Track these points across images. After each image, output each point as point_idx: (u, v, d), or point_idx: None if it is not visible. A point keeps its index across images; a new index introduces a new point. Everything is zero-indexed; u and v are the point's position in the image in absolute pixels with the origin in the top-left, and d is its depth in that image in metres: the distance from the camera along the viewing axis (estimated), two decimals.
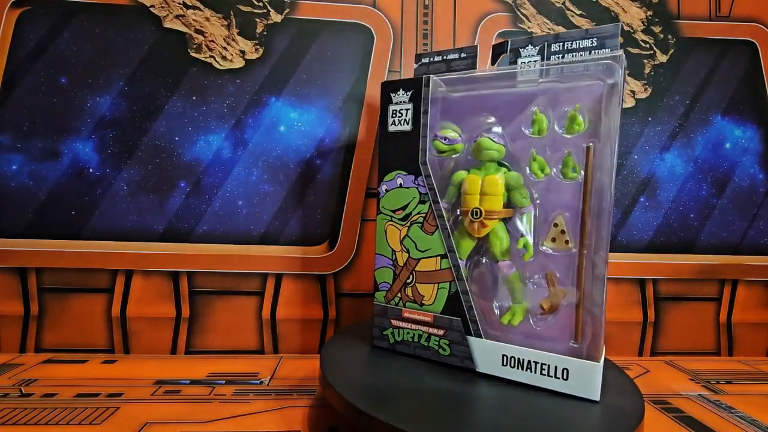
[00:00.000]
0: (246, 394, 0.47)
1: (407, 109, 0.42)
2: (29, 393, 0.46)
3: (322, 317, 0.61)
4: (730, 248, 0.65)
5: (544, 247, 0.38)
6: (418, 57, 0.45)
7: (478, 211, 0.38)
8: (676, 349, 0.64)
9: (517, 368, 0.37)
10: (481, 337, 0.39)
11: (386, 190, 0.44)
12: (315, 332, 0.61)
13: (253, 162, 0.60)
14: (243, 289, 0.60)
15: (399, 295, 0.43)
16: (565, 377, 0.36)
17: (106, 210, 0.58)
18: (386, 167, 0.44)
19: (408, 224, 0.42)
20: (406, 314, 0.43)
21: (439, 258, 0.41)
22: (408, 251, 0.43)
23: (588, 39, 0.36)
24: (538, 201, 0.39)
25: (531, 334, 0.38)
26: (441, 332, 0.41)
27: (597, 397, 0.35)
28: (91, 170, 0.58)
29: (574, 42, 0.37)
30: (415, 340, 0.43)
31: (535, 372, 0.37)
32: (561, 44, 0.38)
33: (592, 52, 0.36)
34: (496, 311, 0.39)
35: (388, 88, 0.43)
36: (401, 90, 0.42)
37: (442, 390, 0.36)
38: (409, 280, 0.43)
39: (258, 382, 0.51)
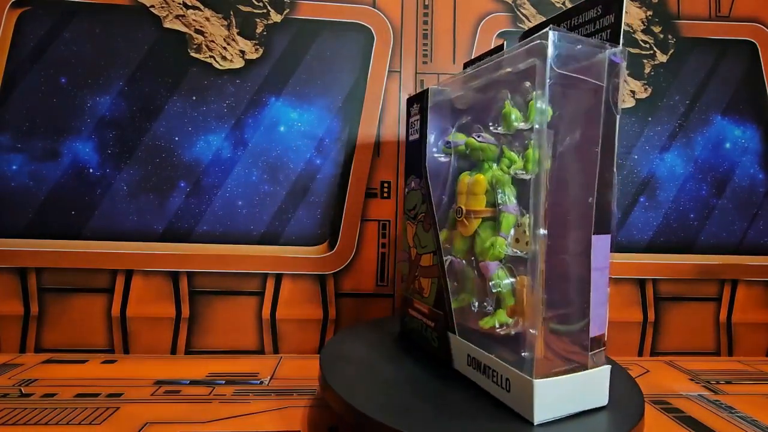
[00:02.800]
0: (246, 394, 0.47)
1: (417, 120, 0.45)
2: (29, 393, 0.46)
3: (322, 317, 0.61)
4: (730, 248, 0.65)
5: (509, 249, 0.36)
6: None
7: (460, 209, 0.39)
8: (676, 349, 0.64)
9: (477, 370, 0.36)
10: (455, 334, 0.39)
11: (406, 192, 0.48)
12: (315, 332, 0.61)
13: (253, 162, 0.60)
14: (243, 289, 0.60)
15: (412, 286, 0.47)
16: (507, 389, 0.33)
17: (106, 210, 0.58)
18: (407, 173, 0.48)
19: (416, 222, 0.45)
20: (415, 304, 0.46)
21: (432, 254, 0.43)
22: (416, 247, 0.46)
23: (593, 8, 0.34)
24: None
25: (498, 336, 0.36)
26: (432, 324, 0.43)
27: (533, 419, 0.30)
28: (91, 170, 0.58)
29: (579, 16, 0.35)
30: (419, 329, 0.45)
31: (488, 377, 0.35)
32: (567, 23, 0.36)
33: (598, 21, 0.34)
34: (473, 309, 0.39)
35: (409, 102, 0.47)
36: (415, 103, 0.46)
37: (441, 390, 0.36)
38: (417, 274, 0.46)
39: (258, 382, 0.51)
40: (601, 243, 0.32)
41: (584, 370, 0.32)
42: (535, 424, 0.30)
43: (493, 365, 0.34)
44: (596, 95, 0.32)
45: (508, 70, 0.36)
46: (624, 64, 0.32)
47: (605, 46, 0.32)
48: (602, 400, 0.33)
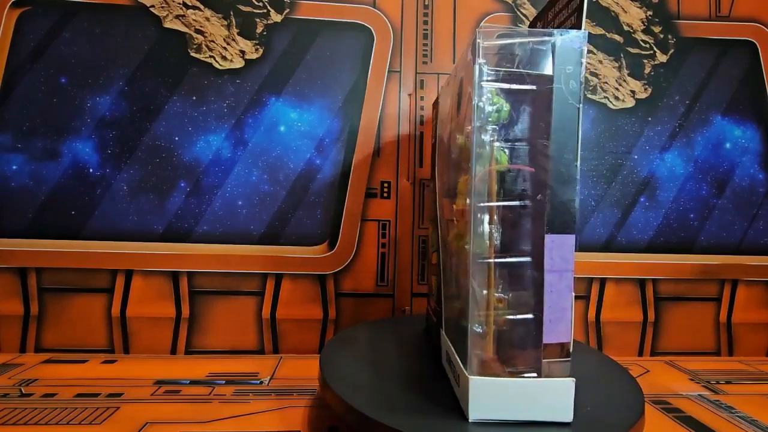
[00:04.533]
0: (246, 394, 0.47)
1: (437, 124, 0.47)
2: (29, 393, 0.46)
3: (322, 317, 0.61)
4: (730, 248, 0.65)
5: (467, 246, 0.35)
6: None
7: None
8: (676, 349, 0.64)
9: (448, 365, 0.37)
10: (441, 330, 0.40)
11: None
12: (315, 332, 0.61)
13: (253, 162, 0.60)
14: (243, 289, 0.60)
15: (429, 284, 0.50)
16: (458, 384, 0.33)
17: (106, 210, 0.58)
18: (432, 173, 0.49)
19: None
20: (430, 301, 0.49)
21: (436, 253, 0.44)
22: (432, 246, 0.48)
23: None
24: None
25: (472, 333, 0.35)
26: (435, 320, 0.44)
27: (468, 416, 0.30)
28: (91, 170, 0.58)
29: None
30: (432, 325, 0.47)
31: (451, 372, 0.35)
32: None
33: (569, 6, 0.33)
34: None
35: (434, 107, 0.49)
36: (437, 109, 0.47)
37: (441, 389, 0.36)
38: (430, 271, 0.48)
39: (258, 382, 0.51)
40: (557, 243, 0.30)
41: (537, 378, 0.30)
42: (469, 420, 0.31)
43: (453, 360, 0.34)
44: (545, 87, 0.30)
45: (462, 74, 0.35)
46: (583, 49, 0.29)
47: (552, 34, 0.30)
48: (563, 415, 0.30)
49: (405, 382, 0.38)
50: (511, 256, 0.32)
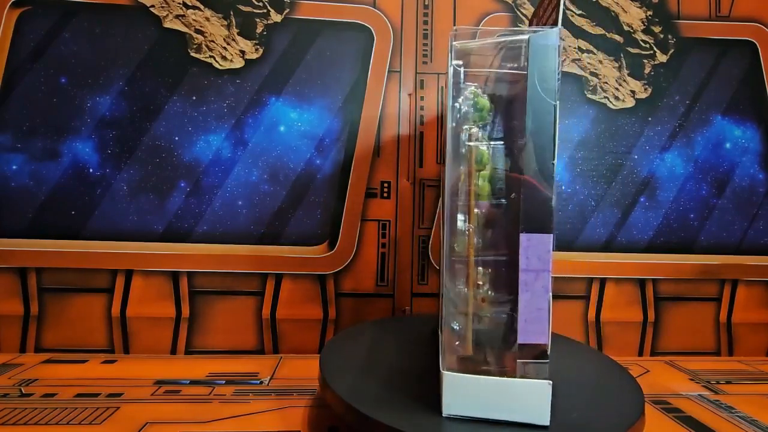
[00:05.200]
0: (246, 394, 0.47)
1: None
2: (29, 393, 0.46)
3: (322, 317, 0.61)
4: (730, 248, 0.65)
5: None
6: None
7: None
8: (676, 349, 0.64)
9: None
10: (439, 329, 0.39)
11: None
12: (315, 332, 0.61)
13: (253, 162, 0.60)
14: (243, 289, 0.60)
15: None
16: (439, 379, 0.33)
17: (106, 210, 0.58)
18: None
19: None
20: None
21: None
22: None
23: None
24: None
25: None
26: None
27: (443, 412, 0.31)
28: (91, 170, 0.58)
29: None
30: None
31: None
32: None
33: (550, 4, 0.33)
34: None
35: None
36: None
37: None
38: None
39: (258, 382, 0.51)
40: (533, 242, 0.29)
41: (511, 377, 0.30)
42: (443, 415, 0.31)
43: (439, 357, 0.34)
44: (520, 85, 0.30)
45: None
46: (558, 45, 0.29)
47: (523, 32, 0.30)
48: (539, 418, 0.30)
49: (405, 382, 0.38)
50: (488, 255, 0.32)
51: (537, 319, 0.30)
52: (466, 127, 0.33)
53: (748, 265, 0.65)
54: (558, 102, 0.29)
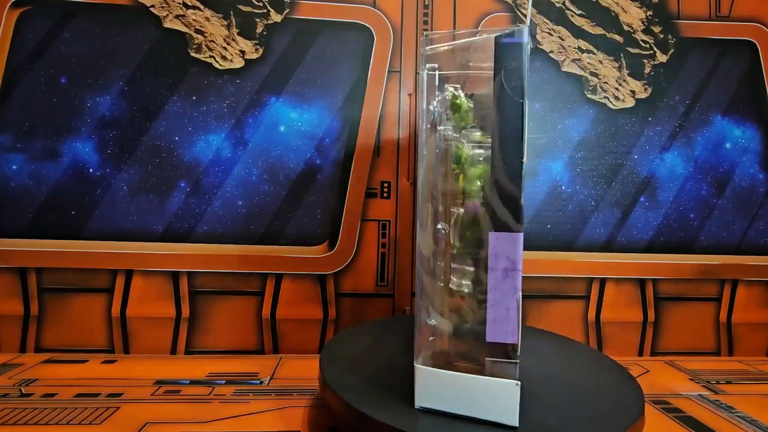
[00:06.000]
0: (246, 394, 0.47)
1: None
2: (29, 393, 0.46)
3: (322, 317, 0.61)
4: (730, 248, 0.65)
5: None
6: None
7: None
8: (676, 349, 0.64)
9: None
10: None
11: None
12: (315, 332, 0.61)
13: (253, 162, 0.60)
14: (243, 289, 0.60)
15: None
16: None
17: (106, 210, 0.58)
18: None
19: None
20: None
21: None
22: None
23: None
24: None
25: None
26: None
27: (415, 404, 0.32)
28: (91, 170, 0.58)
29: None
30: None
31: None
32: None
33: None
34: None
35: None
36: None
37: None
38: None
39: (258, 382, 0.51)
40: (501, 241, 0.29)
41: (480, 375, 0.30)
42: (415, 406, 0.32)
43: None
44: (489, 84, 0.30)
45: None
46: (524, 43, 0.29)
47: (489, 31, 0.30)
48: (507, 417, 0.30)
49: (405, 382, 0.38)
50: (469, 254, 0.32)
51: (505, 319, 0.29)
52: (442, 128, 0.34)
53: (748, 265, 0.65)
54: (526, 100, 0.29)
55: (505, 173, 0.29)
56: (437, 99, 0.34)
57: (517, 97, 0.29)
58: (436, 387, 0.32)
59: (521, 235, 0.29)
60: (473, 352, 0.32)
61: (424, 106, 0.33)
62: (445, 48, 0.34)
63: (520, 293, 0.29)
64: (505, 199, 0.29)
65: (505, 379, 0.30)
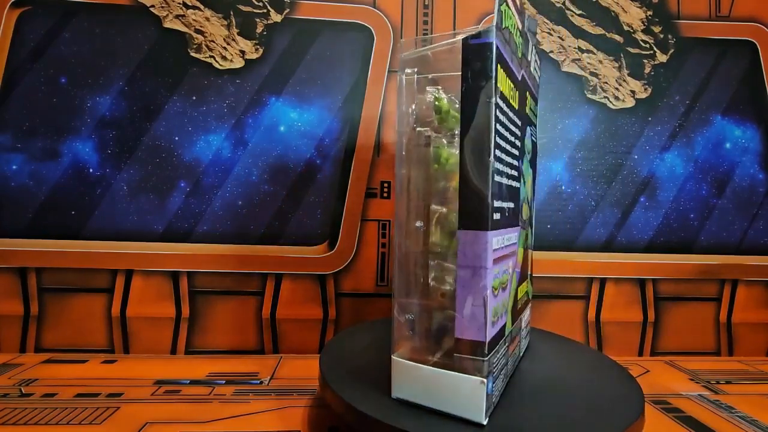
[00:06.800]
0: (246, 394, 0.47)
1: None
2: (29, 393, 0.46)
3: (322, 317, 0.61)
4: (730, 248, 0.65)
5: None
6: None
7: None
8: (676, 349, 0.64)
9: None
10: None
11: None
12: (315, 332, 0.61)
13: (253, 162, 0.60)
14: (243, 289, 0.60)
15: None
16: None
17: (106, 210, 0.58)
18: None
19: None
20: None
21: None
22: None
23: None
24: None
25: None
26: None
27: (392, 394, 0.33)
28: (91, 170, 0.58)
29: None
30: None
31: None
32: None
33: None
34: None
35: None
36: None
37: None
38: None
39: (258, 382, 0.51)
40: (469, 239, 0.29)
41: (449, 370, 0.31)
42: (392, 397, 0.33)
43: None
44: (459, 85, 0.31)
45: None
46: (491, 42, 0.29)
47: (458, 32, 0.31)
48: (475, 415, 0.30)
49: None
50: (442, 251, 0.33)
51: (473, 316, 0.29)
52: (422, 129, 0.34)
53: (748, 265, 0.65)
54: (494, 99, 0.29)
55: (472, 172, 0.29)
56: (417, 101, 0.34)
57: (486, 97, 0.29)
58: (411, 380, 0.33)
59: (489, 234, 0.29)
60: (446, 348, 0.32)
61: (404, 108, 0.34)
62: (424, 52, 0.34)
63: (489, 291, 0.29)
64: (473, 198, 0.29)
65: (471, 375, 0.30)
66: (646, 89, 0.65)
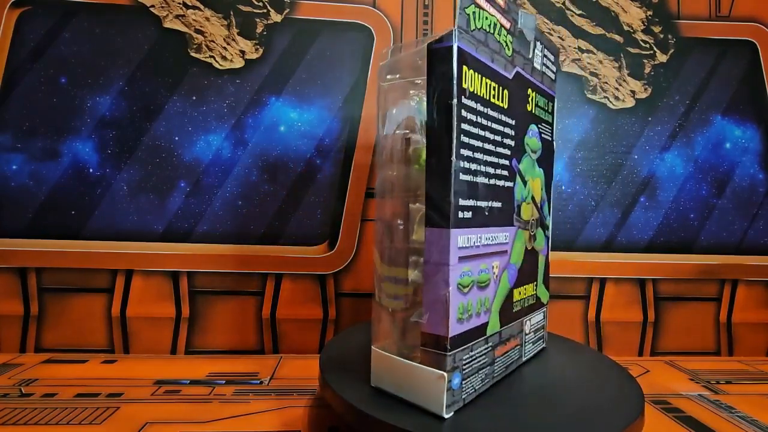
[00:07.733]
0: (246, 394, 0.47)
1: None
2: (29, 393, 0.46)
3: (322, 317, 0.61)
4: (730, 248, 0.65)
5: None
6: None
7: None
8: (676, 349, 0.64)
9: None
10: None
11: None
12: (315, 332, 0.61)
13: (253, 162, 0.60)
14: (243, 289, 0.60)
15: None
16: None
17: (106, 210, 0.58)
18: None
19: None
20: None
21: None
22: None
23: None
24: None
25: None
26: None
27: (371, 382, 0.35)
28: (91, 170, 0.58)
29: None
30: None
31: None
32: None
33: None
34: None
35: None
36: None
37: None
38: None
39: (258, 382, 0.51)
40: (434, 236, 0.30)
41: (417, 363, 0.32)
42: (371, 385, 0.35)
43: None
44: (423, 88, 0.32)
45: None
46: (452, 45, 0.30)
47: (426, 38, 0.32)
48: (435, 407, 0.31)
49: None
50: (417, 247, 0.33)
51: (436, 311, 0.30)
52: (402, 132, 0.35)
53: (748, 265, 0.65)
54: (455, 100, 0.30)
55: (435, 171, 0.30)
56: (401, 105, 0.36)
57: (447, 98, 0.30)
58: (386, 370, 0.34)
59: (450, 231, 0.30)
60: (413, 339, 0.33)
61: (384, 112, 0.36)
62: (404, 56, 0.36)
63: (452, 288, 0.30)
64: (435, 196, 0.30)
65: (433, 369, 0.30)
66: (646, 89, 0.65)
